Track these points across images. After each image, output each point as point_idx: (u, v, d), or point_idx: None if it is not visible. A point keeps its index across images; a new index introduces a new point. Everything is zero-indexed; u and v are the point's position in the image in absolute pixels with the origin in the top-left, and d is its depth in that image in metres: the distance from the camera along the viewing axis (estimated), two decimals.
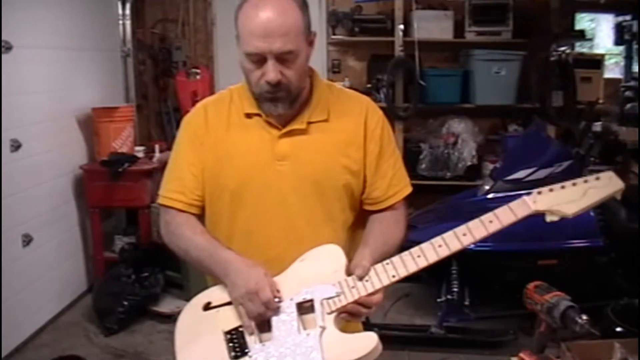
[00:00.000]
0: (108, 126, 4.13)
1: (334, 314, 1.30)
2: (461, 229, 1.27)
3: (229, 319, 1.35)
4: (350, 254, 1.43)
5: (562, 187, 1.31)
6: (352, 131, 1.45)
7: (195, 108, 1.52)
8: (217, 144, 1.44)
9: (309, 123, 1.43)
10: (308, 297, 1.32)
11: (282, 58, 1.31)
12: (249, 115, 1.44)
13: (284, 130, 1.41)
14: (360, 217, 1.52)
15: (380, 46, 4.84)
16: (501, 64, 4.58)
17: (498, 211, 1.26)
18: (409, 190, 1.52)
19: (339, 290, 1.30)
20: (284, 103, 1.37)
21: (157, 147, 4.37)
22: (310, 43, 1.40)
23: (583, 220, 3.26)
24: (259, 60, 1.31)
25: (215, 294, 1.41)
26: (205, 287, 1.50)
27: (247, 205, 1.43)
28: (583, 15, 5.83)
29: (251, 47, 1.30)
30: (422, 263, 1.28)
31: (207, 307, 1.40)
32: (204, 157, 1.45)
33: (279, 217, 1.42)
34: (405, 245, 3.99)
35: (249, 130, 1.43)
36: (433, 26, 4.68)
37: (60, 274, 3.82)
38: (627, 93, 4.67)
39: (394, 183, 1.49)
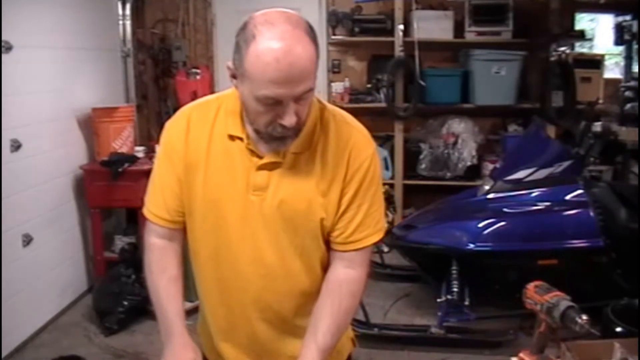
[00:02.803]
0: (108, 126, 4.13)
1: None
2: None
3: None
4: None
5: None
6: (333, 169, 1.35)
7: (179, 114, 1.44)
8: (195, 164, 1.37)
9: (291, 154, 1.33)
10: None
11: (300, 98, 1.22)
12: (231, 138, 1.35)
13: (263, 161, 1.34)
14: None
15: (380, 46, 4.84)
16: (501, 64, 4.59)
17: None
18: (375, 239, 1.41)
19: None
20: (292, 139, 1.30)
21: (157, 147, 4.36)
22: None
23: (583, 220, 3.27)
24: (274, 103, 1.21)
25: None
26: None
27: (216, 232, 1.38)
28: (583, 15, 5.83)
29: (267, 91, 1.18)
30: None
31: None
32: (181, 173, 1.40)
33: (247, 248, 1.37)
34: (406, 246, 3.98)
35: (229, 154, 1.36)
36: (433, 26, 4.69)
37: (60, 274, 3.81)
38: (627, 93, 4.67)
39: (359, 230, 1.38)
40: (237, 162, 1.35)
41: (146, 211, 1.46)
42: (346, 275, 1.40)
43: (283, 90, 1.18)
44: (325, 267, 1.44)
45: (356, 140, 1.38)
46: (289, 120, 1.22)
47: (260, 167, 1.34)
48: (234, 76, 1.26)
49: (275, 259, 1.38)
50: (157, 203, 1.44)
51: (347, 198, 1.37)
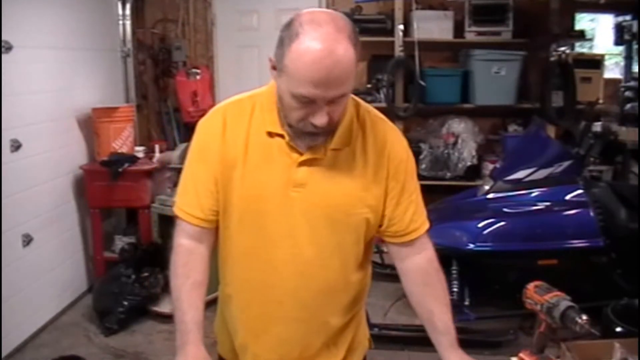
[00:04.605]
0: (108, 126, 4.13)
1: None
2: None
3: None
4: (358, 283, 1.47)
5: None
6: (374, 165, 1.38)
7: (214, 113, 1.43)
8: (232, 162, 1.37)
9: (331, 150, 1.35)
10: None
11: (333, 101, 1.24)
12: (270, 134, 1.36)
13: (304, 157, 1.35)
14: (370, 245, 1.49)
15: (380, 46, 4.84)
16: (501, 64, 4.58)
17: None
18: (427, 225, 1.50)
19: None
20: (325, 136, 1.32)
21: (157, 147, 4.38)
22: None
23: (583, 220, 3.27)
24: (308, 102, 1.23)
25: None
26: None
27: (254, 229, 1.39)
28: (583, 15, 5.84)
29: (302, 90, 1.20)
30: None
31: None
32: (217, 171, 1.39)
33: (286, 245, 1.38)
34: None
35: (268, 151, 1.36)
36: (433, 26, 4.69)
37: (60, 274, 3.81)
38: (627, 93, 4.67)
39: (414, 219, 1.45)
40: (276, 158, 1.36)
41: (178, 210, 1.44)
42: (426, 258, 1.47)
43: (318, 92, 1.20)
44: (359, 265, 1.46)
45: (392, 136, 1.43)
46: (320, 120, 1.25)
47: (301, 164, 1.35)
48: (274, 68, 1.28)
49: (314, 255, 1.38)
50: (190, 202, 1.42)
51: (396, 192, 1.41)
